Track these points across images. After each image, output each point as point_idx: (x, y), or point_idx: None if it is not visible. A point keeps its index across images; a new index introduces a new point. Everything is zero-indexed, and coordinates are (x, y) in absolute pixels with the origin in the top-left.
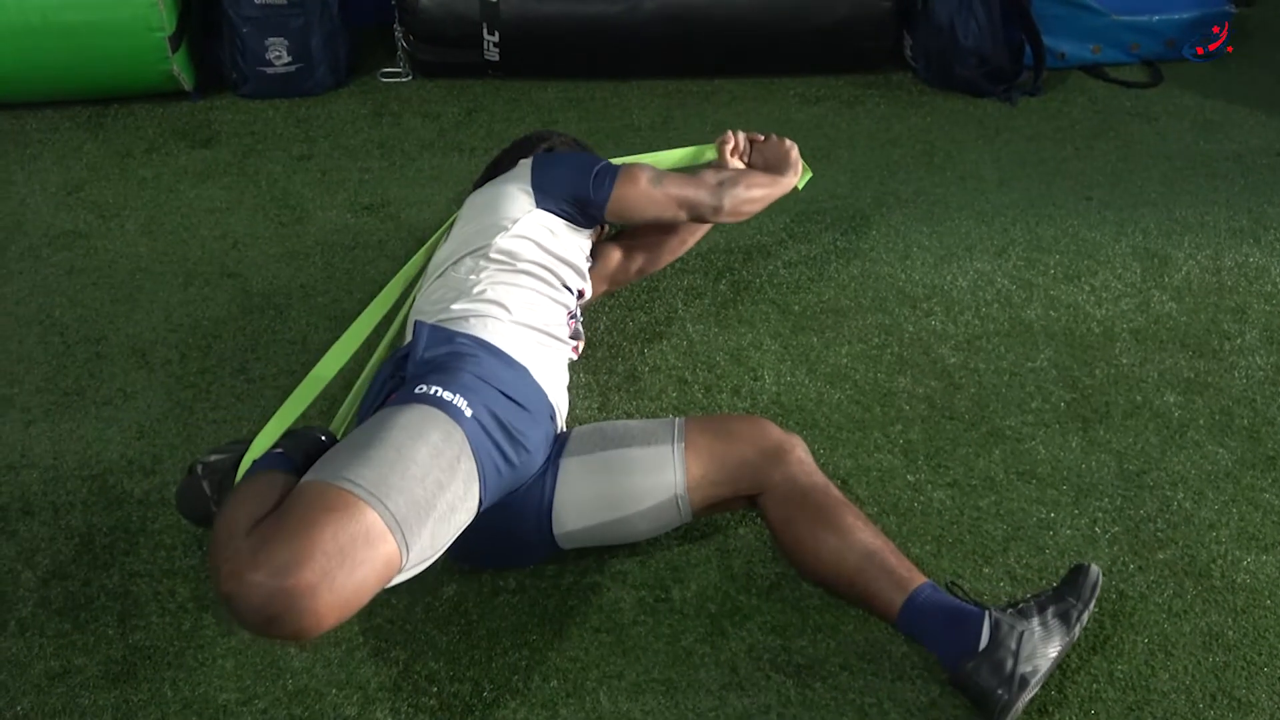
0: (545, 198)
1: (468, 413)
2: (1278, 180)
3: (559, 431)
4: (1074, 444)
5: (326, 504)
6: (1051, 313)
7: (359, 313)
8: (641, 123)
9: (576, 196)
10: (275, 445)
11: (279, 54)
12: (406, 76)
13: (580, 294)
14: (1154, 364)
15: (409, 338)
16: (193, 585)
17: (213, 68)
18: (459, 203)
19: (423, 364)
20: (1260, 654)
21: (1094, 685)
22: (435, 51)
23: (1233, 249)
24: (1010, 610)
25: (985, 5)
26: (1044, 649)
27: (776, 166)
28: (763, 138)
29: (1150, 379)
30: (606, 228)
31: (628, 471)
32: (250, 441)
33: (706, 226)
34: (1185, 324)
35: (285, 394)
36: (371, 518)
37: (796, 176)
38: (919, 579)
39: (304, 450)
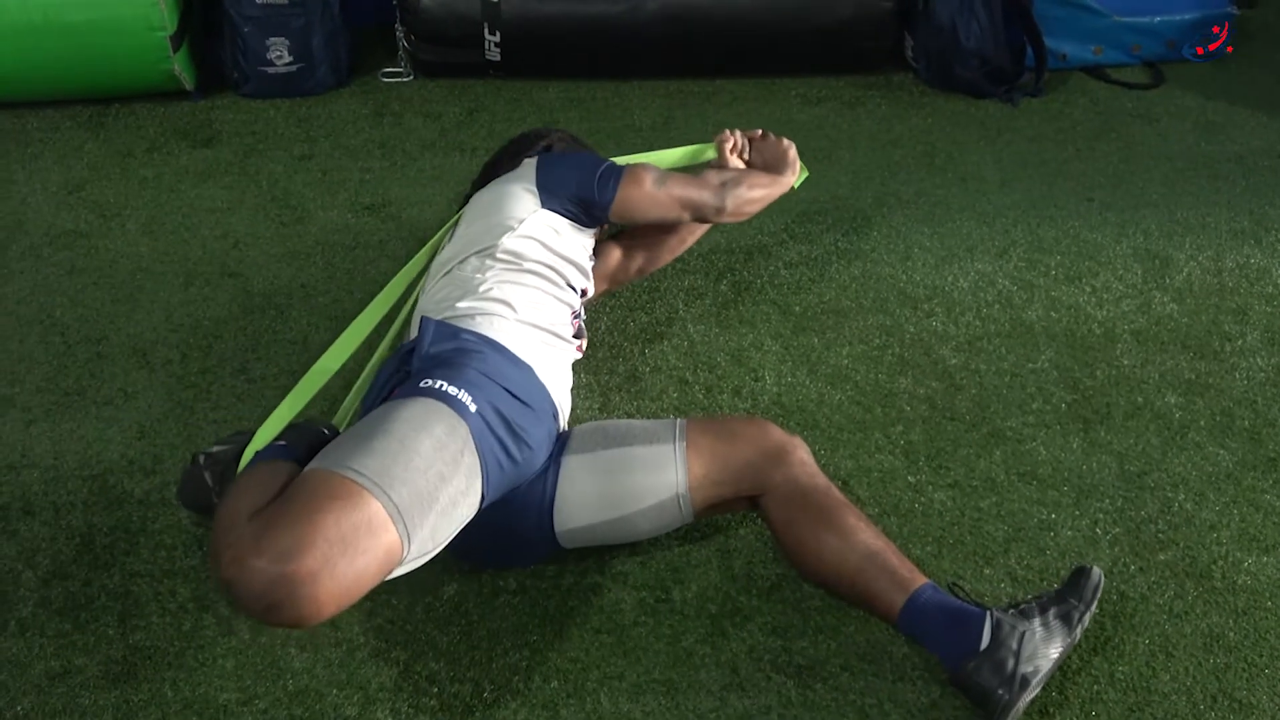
0: (550, 198)
1: (472, 408)
2: (1279, 182)
3: (561, 430)
4: (1075, 445)
5: (330, 492)
6: (1053, 314)
7: (360, 313)
8: (643, 123)
9: (581, 197)
10: (278, 437)
11: (280, 54)
12: (408, 76)
13: (584, 293)
14: (1155, 365)
15: (413, 334)
16: (193, 585)
17: (214, 67)
18: (458, 202)
19: (428, 359)
20: (1261, 655)
21: (1095, 686)
22: (436, 51)
23: (1234, 250)
24: (1012, 611)
25: (987, 6)
26: (1045, 649)
27: (775, 165)
28: (760, 134)
29: (1151, 380)
30: (606, 226)
31: (629, 470)
32: (253, 433)
33: (706, 226)
34: (1186, 325)
35: (286, 394)
36: (374, 507)
37: (795, 175)
38: (920, 580)
39: (307, 443)
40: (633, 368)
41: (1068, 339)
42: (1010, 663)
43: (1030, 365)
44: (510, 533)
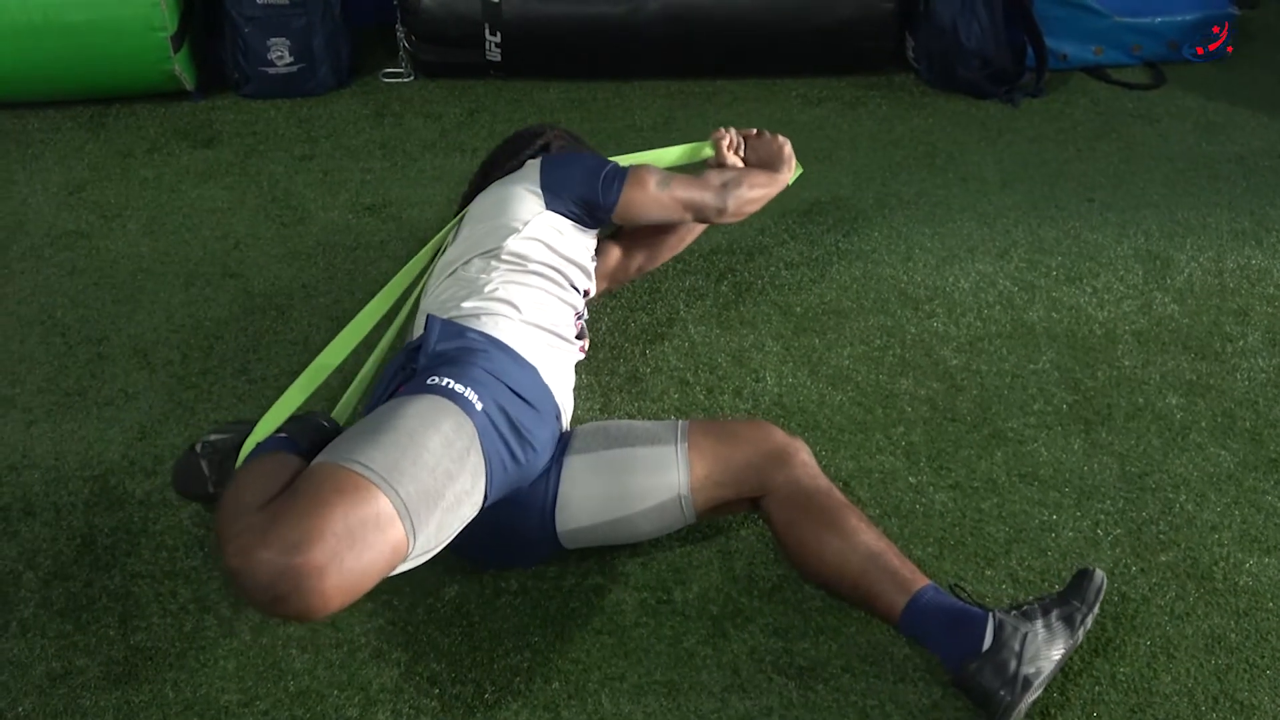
0: (555, 199)
1: (478, 406)
2: None
3: (564, 431)
4: (1076, 446)
5: (338, 485)
6: (1053, 314)
7: (362, 310)
8: (643, 123)
9: (585, 199)
10: (279, 430)
11: (281, 54)
12: (408, 77)
13: (586, 293)
14: (1156, 366)
15: (418, 332)
16: (194, 586)
17: (214, 68)
18: (457, 201)
19: (435, 356)
20: (1263, 656)
21: (1096, 687)
22: (437, 52)
23: (1235, 251)
24: (1014, 612)
25: (987, 6)
26: (1047, 651)
27: (771, 162)
28: (755, 133)
29: (1152, 381)
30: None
31: (631, 471)
32: (252, 423)
33: (706, 225)
34: (1187, 326)
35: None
36: (382, 502)
37: (791, 172)
38: (922, 581)
39: (309, 435)
40: (634, 368)
41: (1069, 340)
42: (1012, 664)
43: (1031, 366)
44: (512, 532)
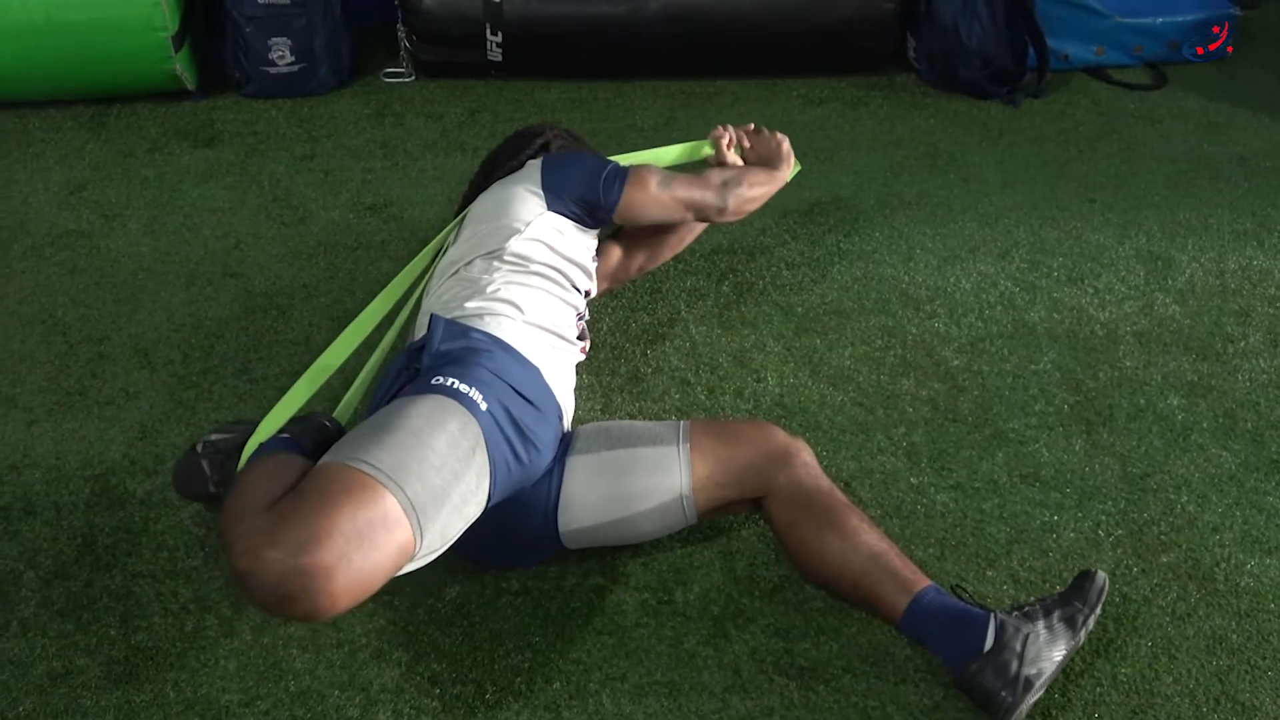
0: (556, 200)
1: (483, 406)
2: None
3: (565, 432)
4: (1077, 447)
5: (345, 485)
6: (1055, 315)
7: (361, 312)
8: (644, 123)
9: (587, 199)
10: (281, 430)
11: (282, 54)
12: (409, 77)
13: (587, 294)
14: (1157, 367)
15: (420, 332)
16: (195, 586)
17: (216, 67)
18: (458, 201)
19: (439, 356)
20: (1264, 657)
21: (1097, 688)
22: (438, 52)
23: (1236, 252)
24: (1015, 613)
25: (989, 7)
26: (1049, 652)
27: (770, 160)
28: (752, 128)
29: (1154, 382)
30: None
31: (633, 471)
32: (253, 423)
33: (706, 224)
34: (1189, 327)
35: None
36: (390, 502)
37: (789, 170)
38: (923, 581)
39: (311, 436)
40: (635, 369)
41: (1070, 340)
42: (1014, 665)
43: (1033, 367)
44: (515, 533)
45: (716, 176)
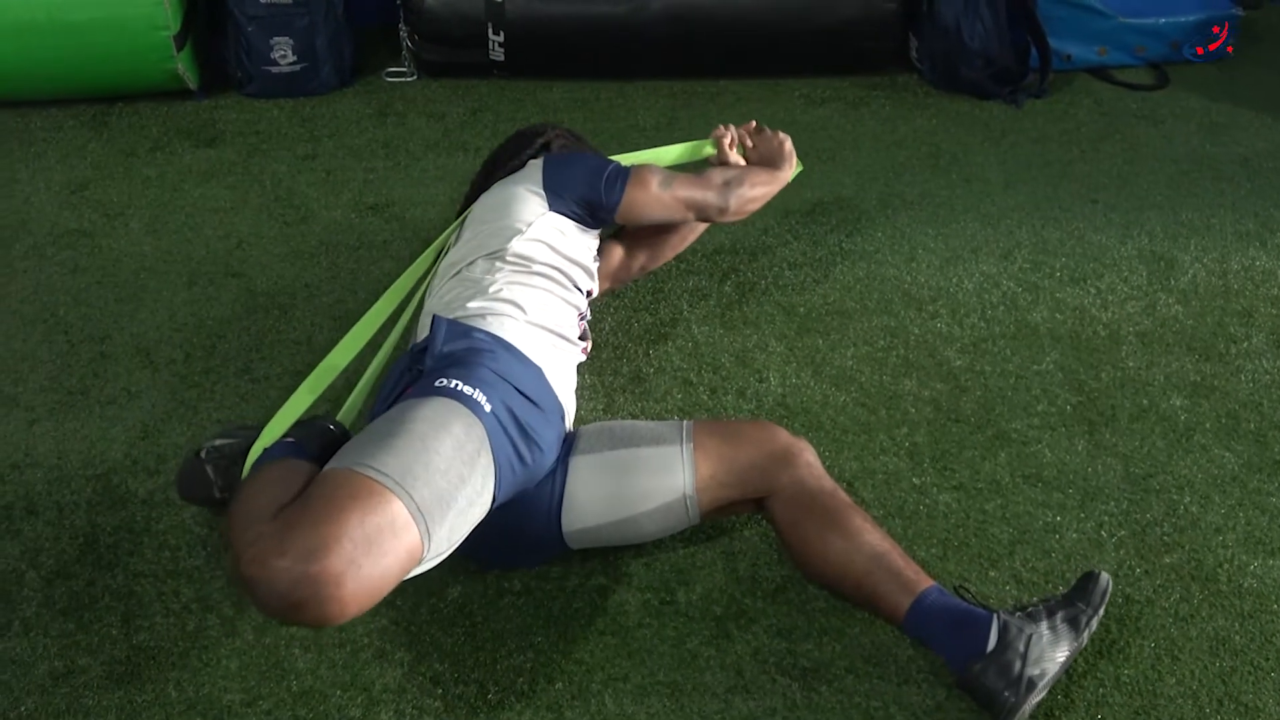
0: (557, 200)
1: (487, 408)
2: None
3: (568, 432)
4: (1080, 447)
5: (352, 491)
6: (1057, 315)
7: (363, 313)
8: (646, 123)
9: (588, 199)
10: (286, 434)
11: (284, 53)
12: (411, 76)
13: (589, 294)
14: (1160, 367)
15: (422, 334)
16: (197, 586)
17: (218, 67)
18: (459, 201)
19: (441, 357)
20: (1267, 659)
21: (1100, 690)
22: (440, 51)
23: (1239, 252)
24: (1019, 614)
25: (991, 7)
26: (1052, 653)
27: (772, 159)
28: (754, 127)
29: (1156, 382)
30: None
31: (637, 471)
32: (256, 428)
33: (708, 224)
34: (1191, 327)
35: (290, 394)
36: (397, 507)
37: (791, 169)
38: (926, 582)
39: (316, 440)
40: (637, 369)
41: (1072, 341)
42: (1017, 665)
43: (1035, 367)
44: (518, 533)
45: (718, 176)
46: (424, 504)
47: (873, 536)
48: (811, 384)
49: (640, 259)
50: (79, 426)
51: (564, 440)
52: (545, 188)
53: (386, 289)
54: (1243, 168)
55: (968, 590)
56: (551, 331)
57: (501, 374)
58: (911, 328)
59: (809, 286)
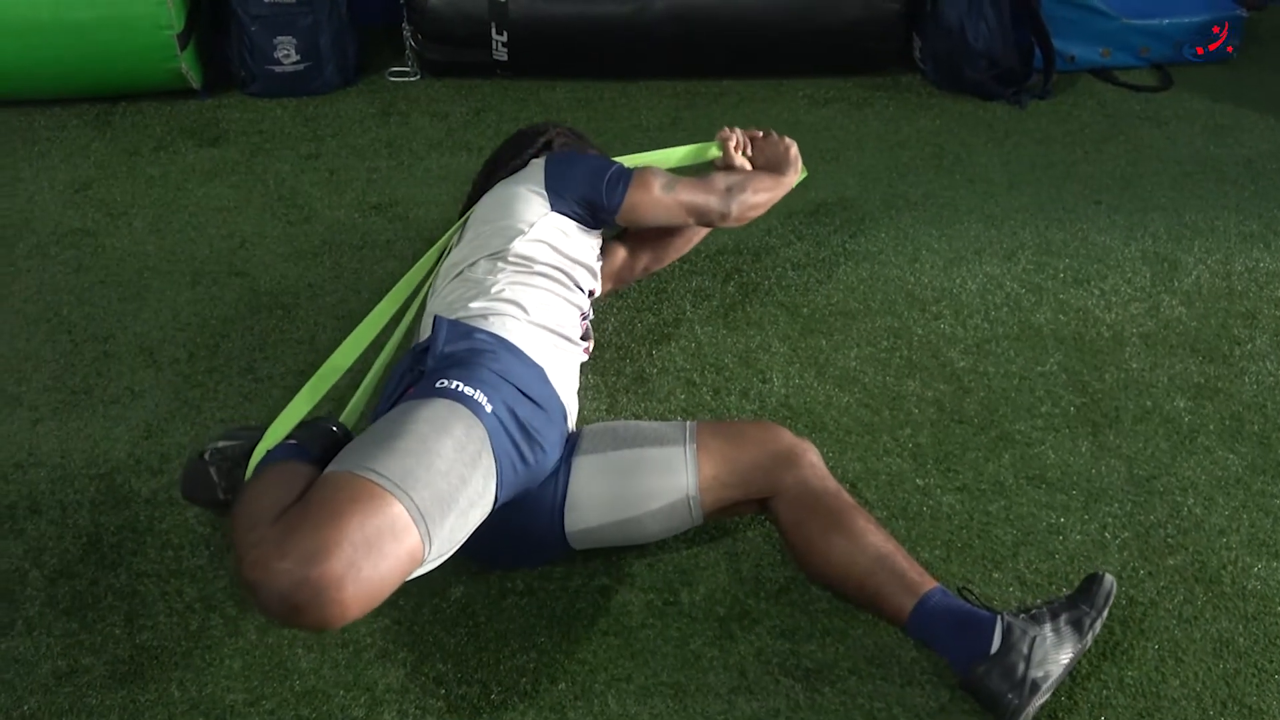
0: (559, 200)
1: (488, 409)
2: None
3: (570, 432)
4: (1084, 449)
5: (353, 494)
6: (1061, 317)
7: (366, 313)
8: (650, 123)
9: (589, 200)
10: (289, 436)
11: (287, 53)
12: (415, 76)
13: (591, 294)
14: (1164, 369)
15: (425, 334)
16: (200, 585)
17: (221, 66)
18: (462, 201)
19: (443, 358)
20: (1271, 661)
21: (1104, 691)
22: (443, 51)
23: (1243, 254)
24: (1022, 616)
25: (995, 7)
26: (1056, 655)
27: (777, 165)
28: (761, 134)
29: (1160, 384)
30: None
31: (640, 472)
32: (260, 429)
33: (710, 228)
34: (1195, 329)
35: (293, 394)
36: (397, 510)
37: (797, 175)
38: (930, 583)
39: (318, 442)
40: (640, 369)
41: (1076, 342)
42: (1021, 667)
43: (1039, 368)
44: (521, 533)
45: (721, 181)
46: (424, 506)
47: (876, 538)
48: (815, 385)
49: (644, 260)
50: (82, 426)
51: (567, 440)
52: (547, 187)
53: (390, 289)
54: (1246, 169)
55: (971, 592)
56: (553, 331)
57: (503, 374)
58: (915, 329)
59: (812, 287)
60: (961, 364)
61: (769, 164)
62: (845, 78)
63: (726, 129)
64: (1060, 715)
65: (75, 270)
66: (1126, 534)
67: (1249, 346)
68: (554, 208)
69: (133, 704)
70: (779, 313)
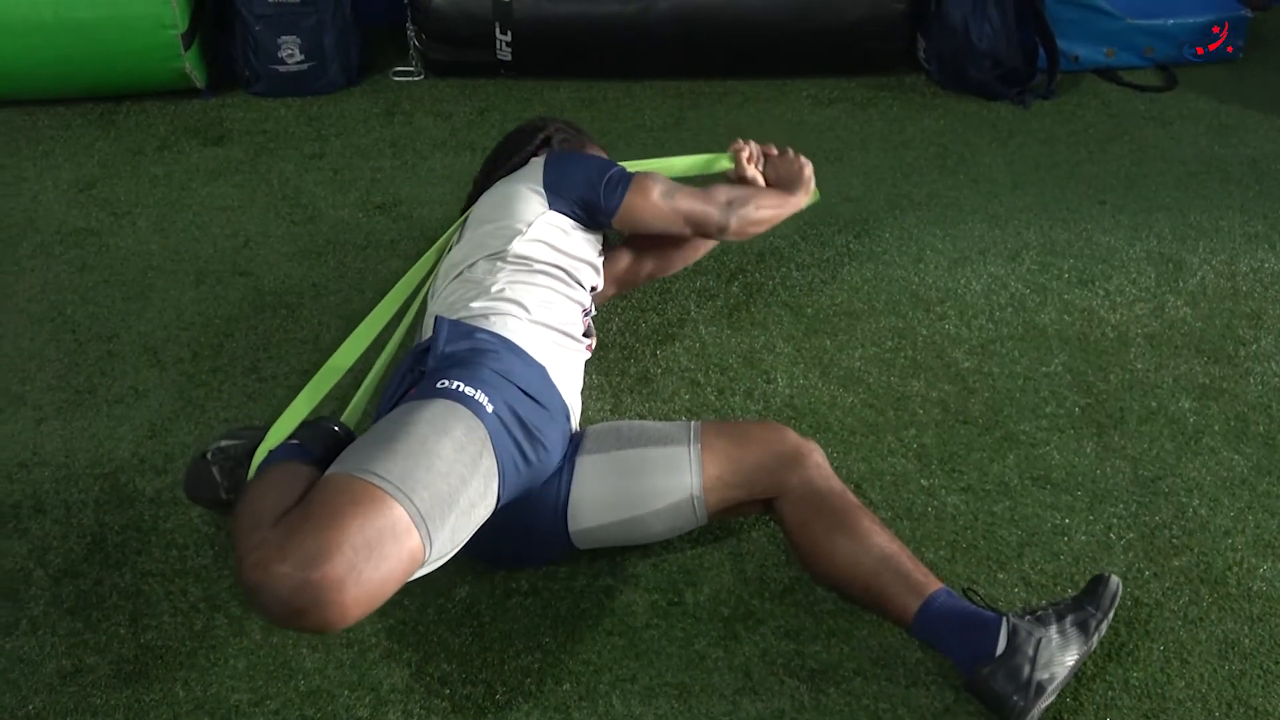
0: (557, 199)
1: (489, 408)
2: None
3: (574, 431)
4: (1088, 449)
5: (353, 497)
6: (1065, 317)
7: (370, 312)
8: (653, 123)
9: (587, 200)
10: (291, 436)
11: (291, 52)
12: (418, 75)
13: (594, 290)
14: (1169, 369)
15: (426, 334)
16: (205, 585)
17: (225, 65)
18: (463, 200)
19: (444, 358)
20: (1277, 662)
21: (1109, 692)
22: (447, 51)
23: (1248, 254)
24: (1028, 617)
25: (999, 7)
26: (1061, 657)
27: (788, 183)
28: (776, 151)
29: (1165, 384)
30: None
31: (643, 471)
32: (262, 428)
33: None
34: (1200, 329)
35: (297, 393)
36: (397, 512)
37: (807, 196)
38: (935, 584)
39: (321, 442)
40: (644, 369)
41: (1081, 342)
42: (1026, 669)
43: (1043, 369)
44: (524, 532)
45: (724, 194)
46: (425, 508)
47: (881, 538)
48: (819, 385)
49: (648, 266)
50: (86, 425)
51: (571, 440)
52: (545, 186)
53: (392, 288)
54: (1251, 169)
55: (976, 593)
56: (555, 329)
57: (504, 374)
58: (919, 329)
59: (817, 287)
60: (966, 364)
61: (781, 181)
62: (849, 78)
63: (740, 141)
64: (1065, 716)
65: (79, 269)
66: (1131, 535)
67: (1254, 347)
68: (552, 206)
69: (137, 703)
70: (783, 313)
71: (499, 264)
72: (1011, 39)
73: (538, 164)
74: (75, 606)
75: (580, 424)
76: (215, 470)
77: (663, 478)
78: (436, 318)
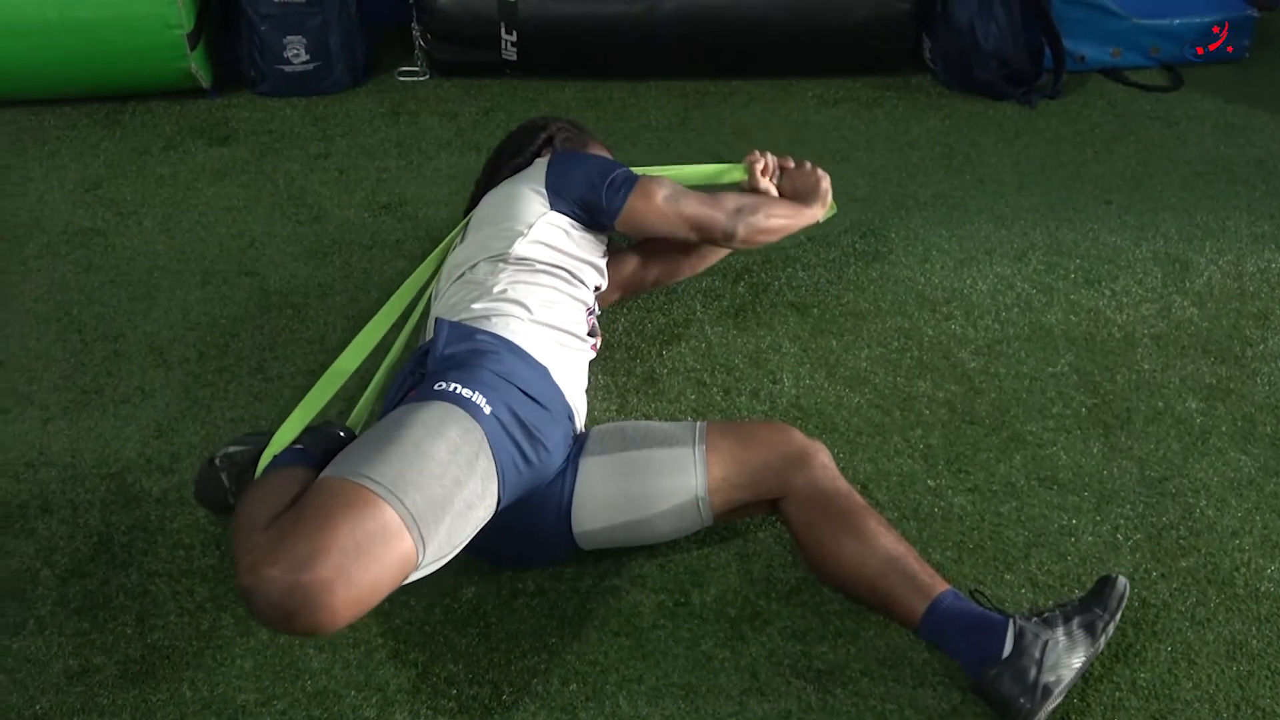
0: (559, 200)
1: (487, 410)
2: None
3: (578, 432)
4: (1095, 450)
5: (344, 500)
6: (1072, 317)
7: (375, 313)
8: (659, 123)
9: (589, 201)
10: (295, 441)
11: (297, 52)
12: (424, 76)
13: (598, 289)
14: (1175, 370)
15: (428, 336)
16: (211, 585)
17: (230, 65)
18: (466, 200)
19: (443, 360)
20: None
21: (1117, 694)
22: (453, 51)
23: (1255, 254)
24: (1035, 619)
25: (1005, 7)
26: (1068, 659)
27: (804, 196)
28: (793, 164)
29: (1172, 385)
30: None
31: (648, 472)
32: (269, 433)
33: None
34: (1207, 330)
35: (303, 393)
36: (389, 514)
37: (823, 209)
38: (941, 585)
39: (323, 446)
40: (650, 369)
41: (1087, 343)
42: (1032, 671)
43: (1050, 369)
44: (528, 533)
45: (733, 201)
46: (417, 510)
47: (887, 539)
48: (825, 385)
49: (654, 271)
50: (93, 425)
51: (575, 441)
52: (547, 187)
53: (398, 289)
54: (1258, 169)
55: (983, 594)
56: (558, 329)
57: (504, 375)
58: (925, 329)
59: (822, 288)
60: (972, 365)
61: (796, 193)
62: (855, 78)
63: (756, 152)
64: (1073, 717)
65: (85, 269)
66: (1139, 535)
67: (1261, 348)
68: (553, 207)
69: (144, 703)
70: (789, 313)
71: (501, 265)
72: (1017, 39)
73: (541, 164)
74: (82, 607)
75: (586, 424)
76: (223, 476)
77: (667, 479)
78: (438, 319)
